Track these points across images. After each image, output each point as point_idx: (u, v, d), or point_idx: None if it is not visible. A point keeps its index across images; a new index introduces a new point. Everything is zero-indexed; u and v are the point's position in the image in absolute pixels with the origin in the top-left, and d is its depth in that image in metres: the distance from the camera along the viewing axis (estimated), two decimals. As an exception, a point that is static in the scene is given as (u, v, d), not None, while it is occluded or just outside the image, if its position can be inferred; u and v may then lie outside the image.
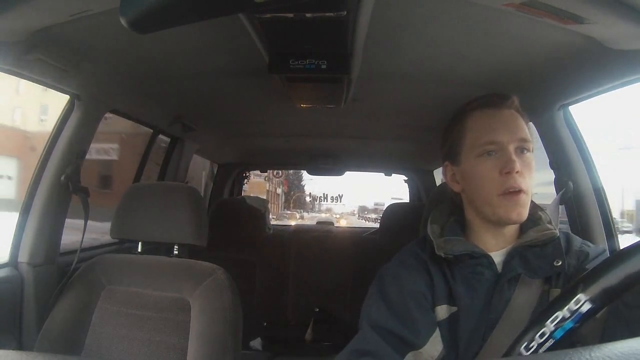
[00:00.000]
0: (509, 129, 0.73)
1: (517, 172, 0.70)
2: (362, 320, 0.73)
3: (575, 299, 0.49)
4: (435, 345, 0.70)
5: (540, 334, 0.50)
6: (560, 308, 0.50)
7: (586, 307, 0.48)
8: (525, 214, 0.72)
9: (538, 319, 0.52)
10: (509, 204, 0.70)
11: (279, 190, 16.53)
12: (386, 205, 2.24)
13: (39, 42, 0.91)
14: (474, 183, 0.75)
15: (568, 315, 0.49)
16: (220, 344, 0.96)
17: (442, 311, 0.72)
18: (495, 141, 0.72)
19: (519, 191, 0.70)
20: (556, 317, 0.49)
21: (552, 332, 0.49)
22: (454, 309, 0.72)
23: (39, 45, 0.92)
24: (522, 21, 0.80)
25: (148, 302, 1.02)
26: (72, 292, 1.05)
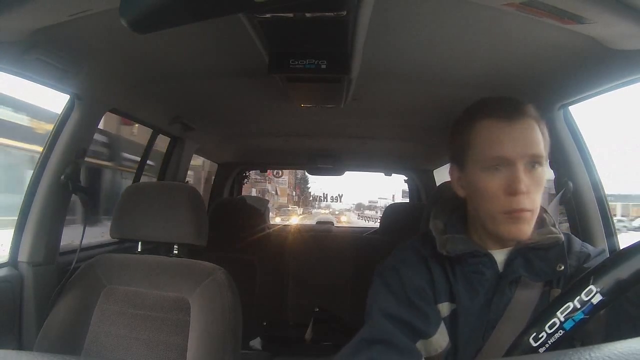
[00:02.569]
0: (519, 144, 0.68)
1: (523, 193, 0.66)
2: (369, 311, 0.72)
3: (586, 290, 0.48)
4: (443, 336, 0.69)
5: (550, 325, 0.49)
6: (572, 299, 0.49)
7: (597, 298, 0.48)
8: (528, 231, 0.68)
9: (548, 309, 0.50)
10: (511, 221, 0.68)
11: (294, 193, 24.91)
12: (379, 203, 2.28)
13: (39, 42, 0.91)
14: (477, 196, 0.71)
15: (579, 306, 0.48)
16: (219, 343, 0.96)
17: (444, 308, 0.72)
18: (502, 157, 0.68)
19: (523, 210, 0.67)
20: (567, 308, 0.49)
21: (562, 323, 0.49)
22: (455, 306, 0.71)
23: (39, 45, 0.92)
24: (522, 21, 0.80)
25: (148, 302, 1.02)
26: (72, 291, 1.05)
